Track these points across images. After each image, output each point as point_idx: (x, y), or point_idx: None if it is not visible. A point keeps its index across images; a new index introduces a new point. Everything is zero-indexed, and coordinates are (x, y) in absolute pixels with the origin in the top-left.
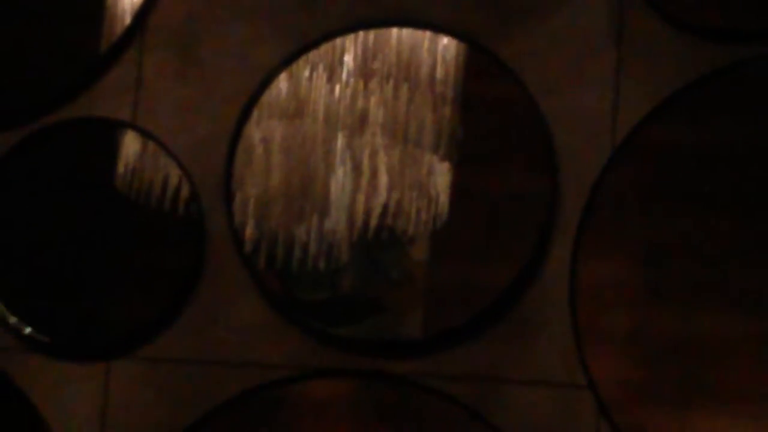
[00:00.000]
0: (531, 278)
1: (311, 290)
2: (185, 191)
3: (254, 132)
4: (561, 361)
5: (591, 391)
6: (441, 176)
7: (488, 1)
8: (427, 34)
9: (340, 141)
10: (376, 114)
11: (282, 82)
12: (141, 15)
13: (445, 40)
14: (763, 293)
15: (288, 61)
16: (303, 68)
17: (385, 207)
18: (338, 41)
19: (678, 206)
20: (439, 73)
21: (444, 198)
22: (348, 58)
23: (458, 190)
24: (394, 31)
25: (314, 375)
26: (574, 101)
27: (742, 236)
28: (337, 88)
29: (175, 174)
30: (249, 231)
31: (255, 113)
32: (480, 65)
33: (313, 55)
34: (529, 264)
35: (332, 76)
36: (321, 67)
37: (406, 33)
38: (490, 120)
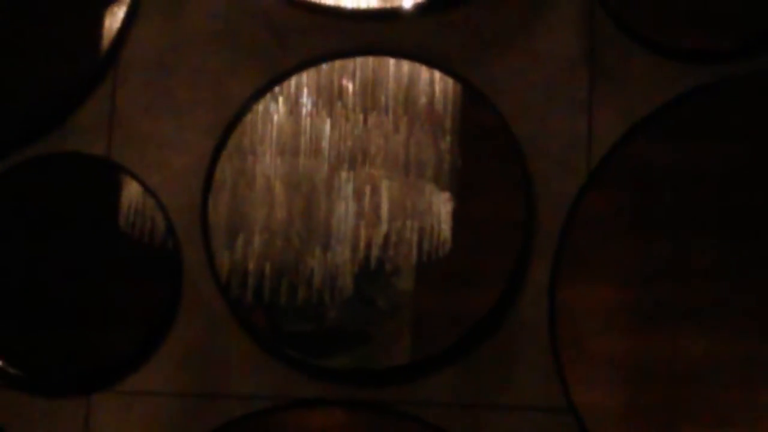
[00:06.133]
0: (510, 304)
1: (295, 322)
2: (161, 224)
3: (227, 166)
4: (543, 385)
5: (573, 415)
6: (442, 206)
7: (461, 27)
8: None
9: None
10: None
11: (282, 117)
12: (114, 48)
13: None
14: (747, 313)
15: (260, 92)
16: (301, 102)
17: (387, 238)
18: (336, 73)
19: (656, 227)
20: (426, 102)
21: (446, 227)
22: (348, 90)
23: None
24: (392, 62)
25: (298, 405)
26: (548, 125)
27: (723, 256)
28: (337, 120)
29: (150, 207)
30: (226, 263)
31: (230, 146)
32: (456, 92)
33: (312, 86)
34: (507, 290)
35: (332, 109)
36: (321, 102)
37: (404, 65)
38: (467, 147)
